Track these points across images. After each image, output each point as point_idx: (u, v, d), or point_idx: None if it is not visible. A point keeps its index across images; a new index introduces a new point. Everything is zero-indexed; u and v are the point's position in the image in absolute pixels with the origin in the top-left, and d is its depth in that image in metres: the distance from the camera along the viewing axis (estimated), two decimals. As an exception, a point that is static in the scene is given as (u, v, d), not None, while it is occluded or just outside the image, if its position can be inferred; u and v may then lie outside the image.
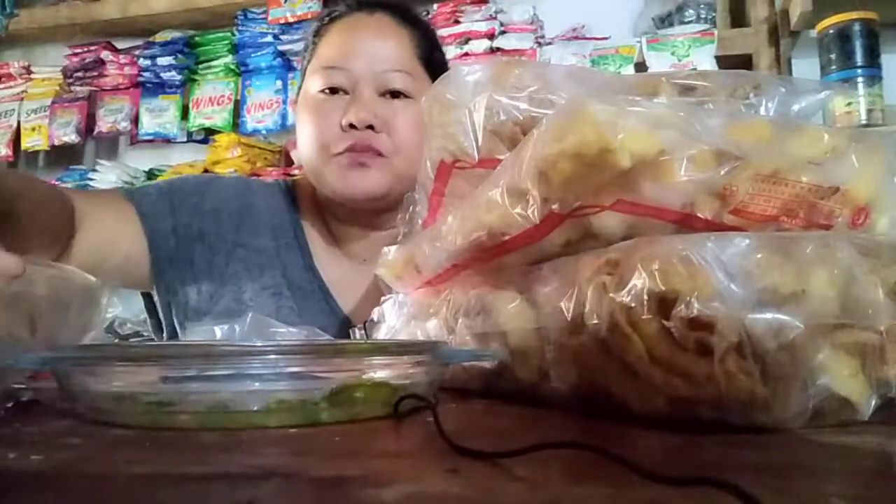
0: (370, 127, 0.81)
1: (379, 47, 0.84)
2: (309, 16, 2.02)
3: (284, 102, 2.08)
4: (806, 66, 1.78)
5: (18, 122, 2.31)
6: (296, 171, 1.96)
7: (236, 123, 2.12)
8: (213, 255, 0.87)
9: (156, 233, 0.85)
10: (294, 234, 0.92)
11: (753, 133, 0.41)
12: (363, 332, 0.66)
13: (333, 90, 0.84)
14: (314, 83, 0.85)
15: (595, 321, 0.37)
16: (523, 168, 0.42)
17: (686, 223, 0.40)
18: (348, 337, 0.82)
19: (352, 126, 0.80)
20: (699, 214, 0.40)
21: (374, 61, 0.83)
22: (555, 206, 0.41)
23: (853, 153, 0.41)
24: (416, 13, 0.93)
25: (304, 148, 0.86)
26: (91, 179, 2.20)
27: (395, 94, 0.83)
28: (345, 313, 0.90)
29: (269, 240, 0.90)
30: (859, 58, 1.58)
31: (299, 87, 0.92)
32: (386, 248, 0.60)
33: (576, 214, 0.41)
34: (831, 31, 1.61)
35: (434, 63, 0.89)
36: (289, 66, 2.11)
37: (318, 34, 0.89)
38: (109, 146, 2.43)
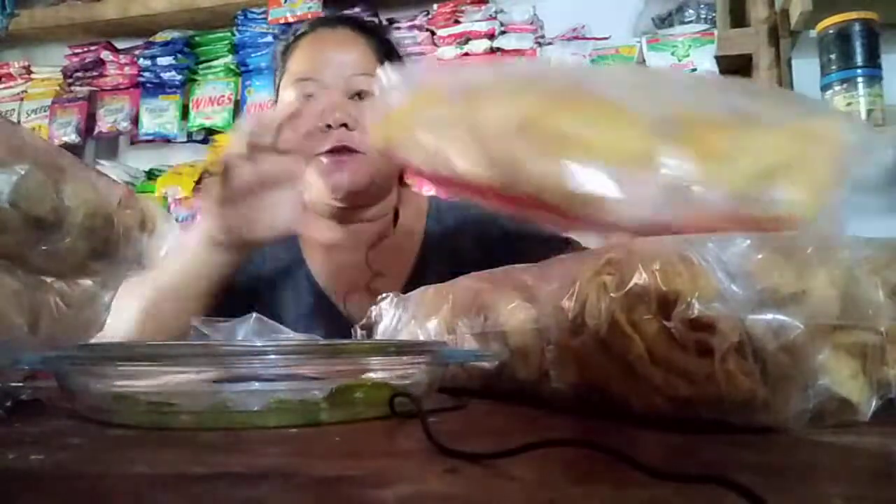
0: (344, 125, 0.88)
1: (344, 56, 0.93)
2: (309, 16, 2.02)
3: (284, 102, 2.08)
4: (806, 67, 1.78)
5: (18, 122, 2.31)
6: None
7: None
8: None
9: None
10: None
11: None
12: (363, 331, 0.66)
13: (308, 98, 0.91)
14: (288, 95, 0.93)
15: (595, 321, 0.37)
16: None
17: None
18: (336, 319, 0.90)
19: (328, 126, 0.87)
20: None
21: (342, 68, 0.91)
22: None
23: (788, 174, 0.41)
24: (372, 23, 1.06)
25: None
26: (91, 179, 2.20)
27: (362, 96, 0.91)
28: (328, 295, 0.95)
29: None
30: (859, 58, 1.57)
31: (274, 103, 1.01)
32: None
33: None
34: (831, 32, 1.61)
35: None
36: (289, 66, 2.11)
37: (286, 52, 0.97)
38: (109, 146, 2.43)
